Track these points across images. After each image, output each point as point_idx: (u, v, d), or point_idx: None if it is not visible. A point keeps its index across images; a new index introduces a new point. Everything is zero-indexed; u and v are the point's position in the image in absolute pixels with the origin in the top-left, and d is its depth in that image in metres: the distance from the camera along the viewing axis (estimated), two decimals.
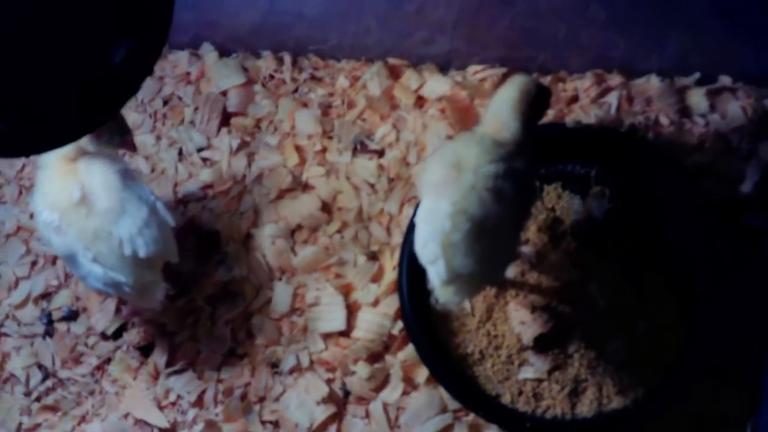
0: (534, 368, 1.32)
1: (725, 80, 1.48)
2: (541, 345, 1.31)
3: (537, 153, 1.18)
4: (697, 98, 1.48)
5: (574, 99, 1.53)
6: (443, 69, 1.62)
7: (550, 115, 1.51)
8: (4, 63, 0.84)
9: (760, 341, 1.29)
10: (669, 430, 1.32)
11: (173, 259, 1.34)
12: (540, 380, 1.32)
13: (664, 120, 1.47)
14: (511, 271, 1.36)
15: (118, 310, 1.53)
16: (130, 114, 1.69)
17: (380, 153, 1.56)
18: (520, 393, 1.32)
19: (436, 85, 1.59)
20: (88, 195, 1.27)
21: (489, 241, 1.11)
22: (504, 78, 1.55)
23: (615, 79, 1.52)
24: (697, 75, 1.50)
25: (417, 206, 1.35)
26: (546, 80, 1.55)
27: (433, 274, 1.13)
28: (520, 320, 1.31)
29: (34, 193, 1.33)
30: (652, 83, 1.50)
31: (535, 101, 1.16)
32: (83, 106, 0.94)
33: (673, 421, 1.31)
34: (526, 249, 1.38)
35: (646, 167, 1.37)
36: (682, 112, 1.47)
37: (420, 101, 1.60)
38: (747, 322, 1.30)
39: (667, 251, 1.36)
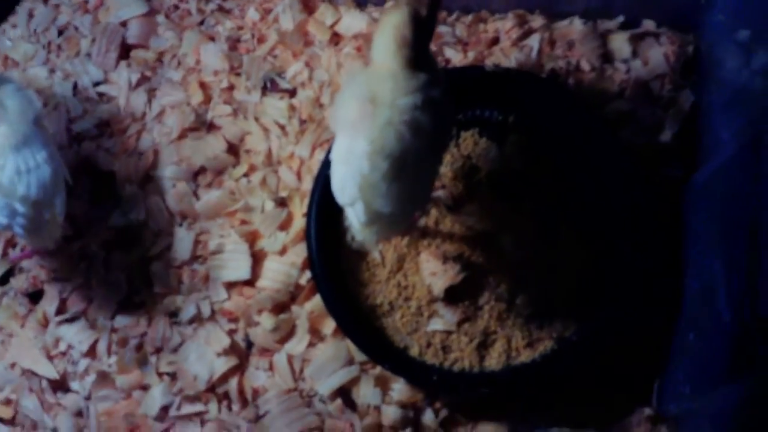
0: (443, 320, 1.28)
1: (649, 24, 1.44)
2: (451, 297, 1.26)
3: (452, 96, 1.11)
4: (620, 43, 1.43)
5: (495, 41, 1.47)
6: (360, 4, 1.53)
7: (469, 57, 1.45)
8: None
9: (671, 296, 1.27)
10: (577, 386, 1.29)
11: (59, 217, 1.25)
12: (449, 332, 1.28)
13: (585, 65, 1.42)
14: (423, 220, 1.31)
15: (5, 254, 1.43)
16: (22, 44, 1.57)
17: (292, 92, 1.48)
18: (429, 345, 1.28)
19: (353, 21, 1.51)
20: None
21: (409, 179, 1.06)
22: None
23: (537, 21, 1.46)
24: (620, 18, 1.45)
25: (330, 147, 1.29)
26: (467, 20, 1.48)
27: (351, 216, 1.08)
28: (431, 271, 1.26)
29: None
30: (574, 26, 1.45)
31: (419, 29, 1.07)
32: None
33: (581, 377, 1.29)
34: (441, 193, 1.33)
35: (565, 115, 1.33)
36: (604, 57, 1.43)
37: (335, 38, 1.51)
38: (661, 275, 1.28)
39: (584, 203, 1.33)
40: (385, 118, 1.03)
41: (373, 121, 1.03)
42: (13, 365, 1.37)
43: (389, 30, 1.06)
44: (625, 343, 1.29)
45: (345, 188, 1.06)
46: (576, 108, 1.33)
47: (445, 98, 1.09)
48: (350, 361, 1.31)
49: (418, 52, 1.07)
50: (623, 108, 1.39)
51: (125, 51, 1.54)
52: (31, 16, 1.59)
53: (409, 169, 1.05)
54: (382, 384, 1.30)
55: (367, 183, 1.04)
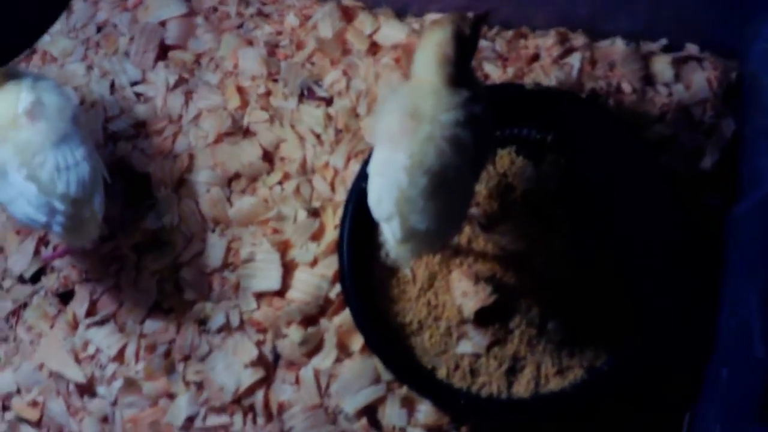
0: (473, 342, 1.26)
1: (692, 49, 1.42)
2: (481, 319, 1.25)
3: (493, 113, 1.11)
4: (662, 66, 1.41)
5: (535, 57, 1.45)
6: (400, 14, 1.52)
7: (508, 72, 1.44)
8: None
9: (706, 329, 1.25)
10: (606, 416, 1.28)
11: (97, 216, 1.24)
12: (478, 355, 1.26)
13: (626, 87, 1.40)
14: (458, 237, 1.30)
15: (36, 252, 1.43)
16: (61, 40, 1.57)
17: (328, 101, 1.47)
18: (457, 367, 1.27)
19: (392, 31, 1.50)
20: (35, 111, 1.19)
21: (447, 196, 1.05)
22: None
23: (579, 39, 1.44)
24: (663, 41, 1.43)
25: (366, 160, 1.28)
26: (508, 35, 1.47)
27: (387, 232, 1.06)
28: (463, 291, 1.25)
29: None
30: (616, 46, 1.43)
31: (462, 47, 1.06)
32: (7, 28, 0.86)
33: (610, 408, 1.27)
34: (475, 211, 1.31)
35: (605, 137, 1.31)
36: (645, 79, 1.41)
37: (374, 48, 1.50)
38: (696, 307, 1.26)
39: (620, 227, 1.31)
40: (425, 132, 1.02)
41: (413, 135, 1.03)
42: (41, 366, 1.37)
43: (432, 47, 1.06)
44: (657, 374, 1.28)
45: (382, 202, 1.05)
46: (616, 130, 1.31)
47: (486, 115, 1.08)
48: (377, 380, 1.30)
49: (460, 69, 1.06)
50: (663, 132, 1.37)
51: (163, 51, 1.54)
52: (70, 11, 1.59)
53: (447, 186, 1.04)
54: (409, 405, 1.29)
55: (405, 198, 1.02)
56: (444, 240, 1.20)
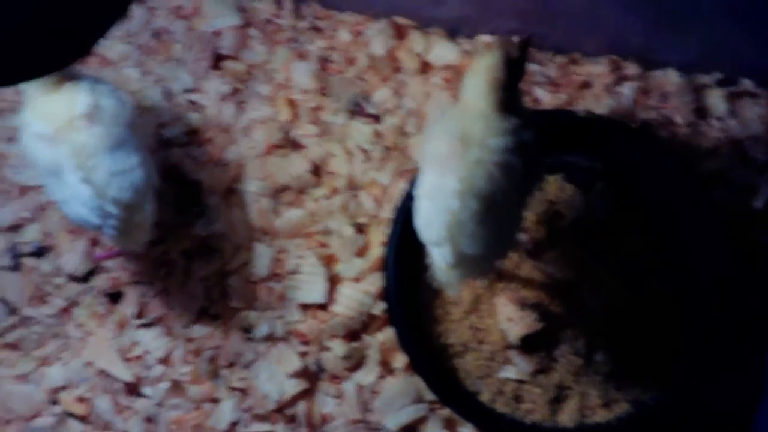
0: (517, 368, 1.28)
1: (747, 84, 1.42)
2: (527, 345, 1.26)
3: (542, 140, 1.11)
4: (716, 100, 1.42)
5: (587, 85, 1.46)
6: (452, 34, 1.54)
7: (559, 98, 1.45)
8: None
9: (758, 367, 1.25)
10: None
11: (148, 221, 1.27)
12: (522, 382, 1.28)
13: (678, 119, 1.41)
14: (503, 263, 1.31)
15: (89, 252, 1.46)
16: (117, 44, 1.59)
17: (377, 118, 1.49)
18: (500, 393, 1.28)
19: (443, 51, 1.51)
20: (93, 115, 1.20)
21: (496, 221, 1.06)
22: None
23: (631, 68, 1.45)
24: (718, 75, 1.43)
25: (413, 180, 1.30)
26: (559, 61, 1.48)
27: (436, 256, 1.07)
28: (508, 317, 1.26)
29: (23, 109, 1.24)
30: (669, 77, 1.44)
31: (511, 73, 1.08)
32: (65, 33, 0.88)
33: None
34: (522, 236, 1.33)
35: (657, 168, 1.32)
36: (698, 112, 1.41)
37: (424, 67, 1.52)
38: (748, 343, 1.26)
39: (670, 259, 1.32)
40: (475, 157, 1.04)
41: (462, 159, 1.04)
42: (89, 364, 1.40)
43: (482, 72, 1.07)
44: (705, 412, 1.28)
45: (432, 226, 1.06)
46: (668, 161, 1.32)
47: (536, 142, 1.09)
48: (419, 399, 1.32)
49: (509, 94, 1.08)
50: (715, 167, 1.38)
51: (217, 61, 1.56)
52: (127, 17, 1.62)
53: (496, 211, 1.05)
54: (450, 427, 1.31)
55: (456, 222, 1.04)
56: (492, 265, 1.22)
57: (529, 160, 1.08)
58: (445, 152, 1.05)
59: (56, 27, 0.88)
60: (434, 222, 1.06)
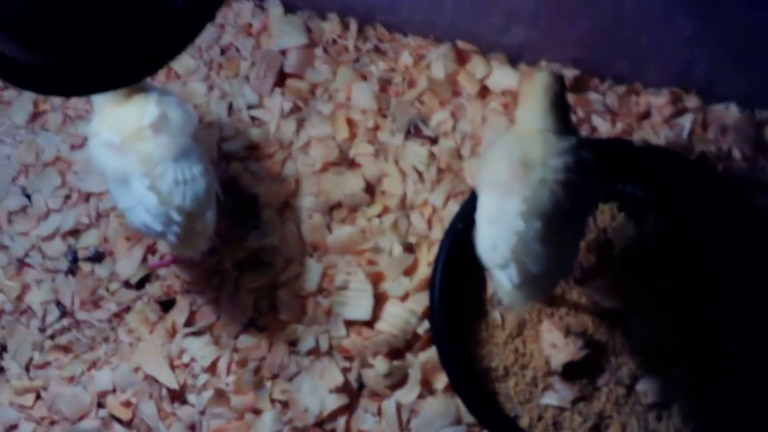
0: (558, 395, 1.26)
1: None
2: (569, 372, 1.25)
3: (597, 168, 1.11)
4: None
5: (646, 115, 1.45)
6: (513, 61, 1.54)
7: (617, 127, 1.44)
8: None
9: None
10: None
11: (209, 229, 1.29)
12: (562, 409, 1.26)
13: (737, 153, 1.38)
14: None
15: (144, 259, 1.50)
16: (185, 59, 1.64)
17: (434, 140, 1.50)
18: (540, 418, 1.27)
19: (503, 77, 1.52)
20: (160, 125, 1.24)
21: (561, 240, 1.07)
22: (576, 82, 1.47)
23: (692, 101, 1.44)
24: None
25: (464, 202, 1.30)
26: (619, 90, 1.47)
27: (502, 278, 1.07)
28: (552, 343, 1.25)
29: (92, 118, 1.28)
30: (730, 112, 1.42)
31: (563, 93, 1.09)
32: (141, 48, 0.91)
33: None
34: None
35: (713, 202, 1.29)
36: (757, 147, 1.39)
37: (483, 91, 1.53)
38: None
39: (721, 295, 1.29)
40: (538, 177, 1.04)
41: (525, 180, 1.04)
42: (137, 369, 1.43)
43: (537, 92, 1.08)
44: None
45: (497, 248, 1.06)
46: (724, 194, 1.30)
47: (593, 160, 1.09)
48: (458, 421, 1.31)
49: (564, 114, 1.09)
50: None
51: (281, 78, 1.59)
52: None
53: (561, 230, 1.06)
54: None
55: (522, 243, 1.04)
56: (556, 284, 1.20)
57: (589, 178, 1.08)
58: (506, 176, 1.06)
59: (137, 44, 0.91)
60: (499, 245, 1.06)
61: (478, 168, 1.15)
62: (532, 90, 1.09)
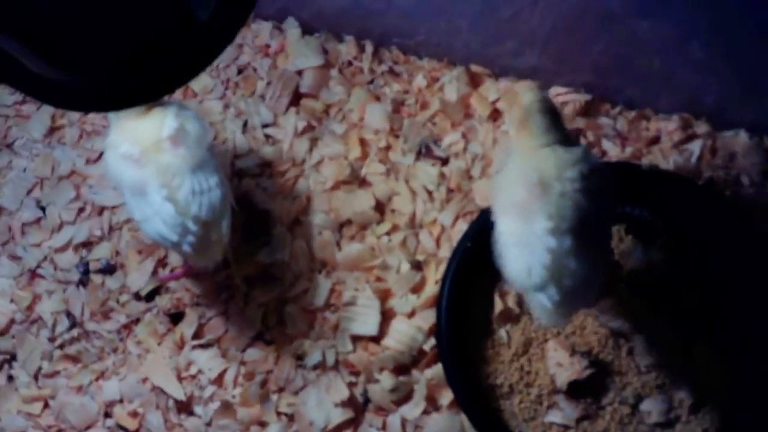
0: (563, 414, 1.26)
1: None
2: (574, 391, 1.25)
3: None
4: None
5: (656, 140, 1.46)
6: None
7: (627, 152, 1.45)
8: (84, 11, 0.81)
9: None
10: None
11: (224, 239, 1.31)
12: (566, 427, 1.26)
13: (745, 179, 1.39)
14: None
15: (154, 272, 1.51)
16: (203, 77, 1.67)
17: (444, 161, 1.52)
18: None
19: None
20: (178, 137, 1.26)
21: (590, 248, 1.07)
22: (587, 106, 1.48)
23: (702, 127, 1.45)
24: None
25: (473, 222, 1.31)
26: (630, 115, 1.49)
27: (542, 299, 1.07)
28: (557, 361, 1.26)
29: (110, 132, 1.31)
30: (740, 138, 1.43)
31: (550, 102, 1.12)
32: (162, 65, 0.93)
33: None
34: None
35: (719, 227, 1.30)
36: (765, 174, 1.39)
37: (495, 114, 1.54)
38: None
39: (726, 318, 1.29)
40: (558, 191, 1.04)
41: (545, 198, 1.04)
42: (145, 380, 1.44)
43: (533, 106, 1.10)
44: None
45: (532, 271, 1.05)
46: (732, 221, 1.30)
47: (603, 165, 1.11)
48: None
49: (560, 121, 1.11)
50: None
51: (296, 98, 1.62)
52: None
53: (590, 239, 1.06)
54: None
55: (556, 260, 1.04)
56: (594, 293, 1.18)
57: (604, 185, 1.08)
58: (524, 197, 1.06)
59: (159, 61, 0.92)
60: (534, 267, 1.05)
61: (493, 193, 1.15)
62: (526, 108, 1.10)
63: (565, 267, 1.04)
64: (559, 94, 1.52)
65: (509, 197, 1.08)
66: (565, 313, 1.11)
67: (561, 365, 1.25)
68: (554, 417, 1.27)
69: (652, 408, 1.26)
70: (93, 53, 0.86)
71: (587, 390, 1.26)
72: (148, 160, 1.25)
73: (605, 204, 1.10)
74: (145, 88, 0.94)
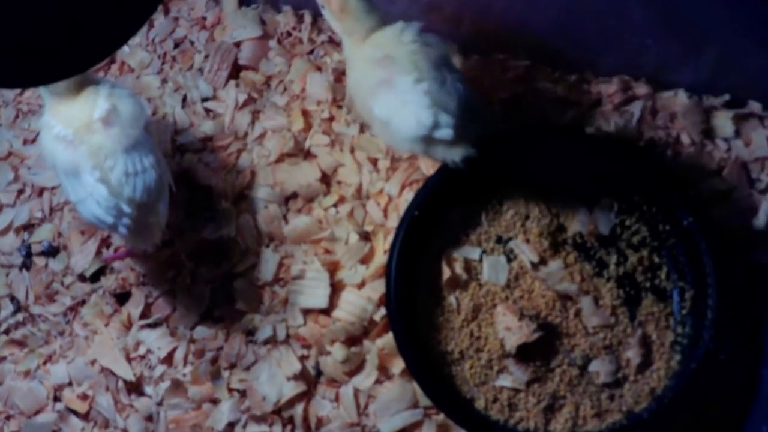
0: (513, 377, 1.28)
1: (755, 106, 1.42)
2: (523, 354, 1.27)
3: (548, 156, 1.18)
4: (723, 121, 1.42)
5: (597, 103, 1.47)
6: (466, 53, 1.55)
7: (568, 115, 1.46)
8: None
9: (747, 383, 1.25)
10: None
11: (161, 221, 1.29)
12: (517, 390, 1.28)
13: (685, 139, 1.41)
14: (504, 274, 1.32)
15: (98, 253, 1.49)
16: (139, 52, 1.63)
17: None
18: (495, 400, 1.28)
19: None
20: (110, 118, 1.23)
21: (457, 74, 1.21)
22: (526, 72, 1.49)
23: (641, 89, 1.46)
24: (726, 97, 1.44)
25: (419, 191, 1.32)
26: (570, 79, 1.49)
27: (444, 135, 1.17)
28: (506, 326, 1.27)
29: (43, 112, 1.28)
30: (679, 98, 1.44)
31: None
32: (83, 39, 0.90)
33: None
34: (525, 247, 1.34)
35: (660, 186, 1.32)
36: (705, 133, 1.42)
37: None
38: (738, 361, 1.26)
39: (669, 276, 1.32)
40: (407, 48, 1.19)
41: (396, 62, 1.18)
42: (93, 362, 1.42)
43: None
44: (697, 426, 1.27)
45: (420, 116, 1.17)
46: (671, 180, 1.33)
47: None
48: (415, 404, 1.32)
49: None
50: (719, 187, 1.38)
51: (236, 71, 1.59)
52: (150, 25, 1.66)
53: (452, 67, 1.23)
54: None
55: (434, 97, 1.16)
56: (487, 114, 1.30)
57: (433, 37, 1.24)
58: (382, 74, 1.19)
59: (79, 30, 0.90)
60: (421, 113, 1.17)
61: (353, 95, 1.29)
62: (344, 4, 1.21)
63: (446, 98, 1.17)
64: (499, 60, 1.52)
65: (370, 85, 1.20)
66: (467, 138, 1.19)
67: (510, 329, 1.27)
68: (505, 381, 1.28)
69: (600, 368, 1.28)
70: (15, 23, 0.85)
71: (536, 353, 1.28)
72: (80, 142, 1.23)
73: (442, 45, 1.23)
74: (71, 59, 0.92)
